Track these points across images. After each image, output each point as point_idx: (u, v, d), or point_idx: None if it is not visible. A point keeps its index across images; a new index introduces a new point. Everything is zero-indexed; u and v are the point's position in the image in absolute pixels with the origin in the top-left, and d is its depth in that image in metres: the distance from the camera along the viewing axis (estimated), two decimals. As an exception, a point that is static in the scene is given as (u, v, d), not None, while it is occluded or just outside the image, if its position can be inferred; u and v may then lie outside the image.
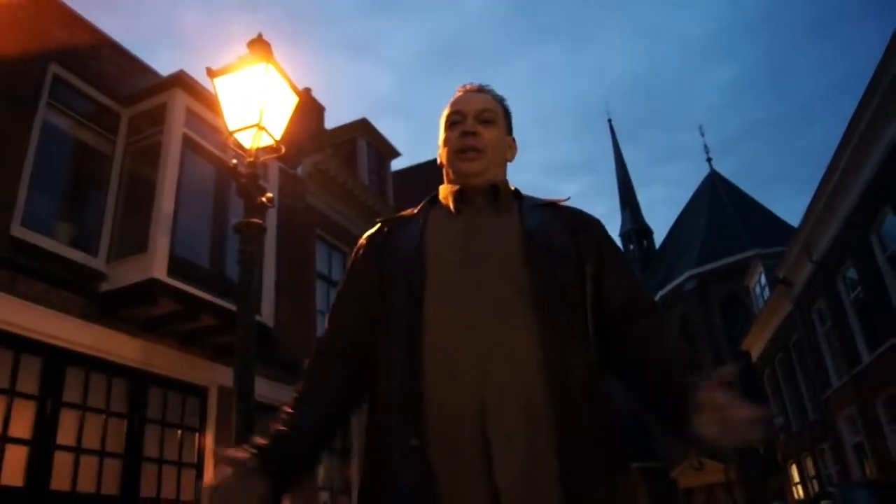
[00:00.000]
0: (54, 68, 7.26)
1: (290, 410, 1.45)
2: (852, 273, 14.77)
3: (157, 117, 8.04)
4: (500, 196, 1.52)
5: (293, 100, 4.64)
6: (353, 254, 1.61)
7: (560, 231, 1.46)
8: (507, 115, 1.64)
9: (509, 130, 1.64)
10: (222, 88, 4.43)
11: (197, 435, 7.95)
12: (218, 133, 7.62)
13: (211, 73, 4.46)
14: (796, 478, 22.29)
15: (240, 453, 1.37)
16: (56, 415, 6.47)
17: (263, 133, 4.31)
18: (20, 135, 6.75)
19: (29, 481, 6.06)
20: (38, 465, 6.17)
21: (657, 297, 31.70)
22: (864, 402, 14.23)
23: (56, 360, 6.58)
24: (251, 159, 4.23)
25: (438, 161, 1.64)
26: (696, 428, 1.22)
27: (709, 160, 44.06)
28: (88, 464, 6.67)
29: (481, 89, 1.63)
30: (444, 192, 1.57)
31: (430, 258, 1.40)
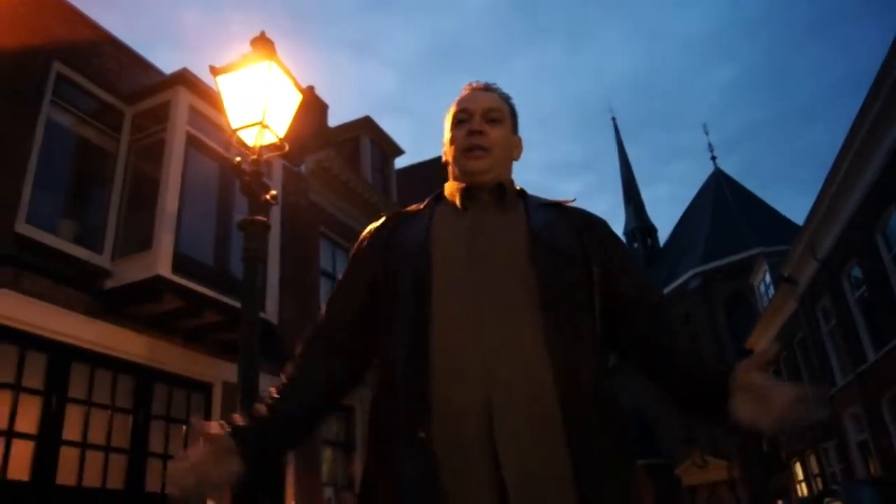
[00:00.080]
0: (58, 66, 7.28)
1: (275, 395, 1.45)
2: (857, 272, 14.73)
3: (161, 115, 8.06)
4: (506, 194, 1.52)
5: (296, 97, 4.64)
6: (357, 245, 1.60)
7: (566, 231, 1.46)
8: (513, 114, 1.63)
9: (515, 129, 1.64)
10: (225, 86, 4.45)
11: (201, 431, 7.95)
12: (221, 131, 7.62)
13: (214, 71, 4.48)
14: (800, 475, 22.25)
15: (216, 430, 1.37)
16: (62, 410, 6.51)
17: (267, 131, 4.32)
18: (24, 132, 6.77)
19: (35, 476, 6.10)
20: (44, 460, 6.21)
21: (661, 295, 31.43)
22: (868, 401, 14.19)
23: (61, 356, 6.61)
24: (255, 157, 4.24)
25: (444, 159, 1.64)
26: (733, 411, 1.22)
27: (713, 158, 43.97)
28: (94, 459, 6.71)
29: (488, 87, 1.63)
30: (450, 189, 1.57)
31: (436, 254, 1.40)
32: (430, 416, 1.24)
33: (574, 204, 1.59)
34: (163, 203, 7.49)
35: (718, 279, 33.26)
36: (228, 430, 1.37)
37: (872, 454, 15.03)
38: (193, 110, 8.22)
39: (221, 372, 8.02)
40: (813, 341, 18.11)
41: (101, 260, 7.28)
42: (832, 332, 17.04)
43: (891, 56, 11.00)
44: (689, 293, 33.76)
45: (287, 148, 4.52)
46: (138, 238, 7.49)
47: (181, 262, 7.41)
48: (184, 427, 7.78)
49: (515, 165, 1.64)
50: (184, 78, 8.22)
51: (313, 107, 12.55)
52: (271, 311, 8.66)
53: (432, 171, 16.23)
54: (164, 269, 7.18)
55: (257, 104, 4.31)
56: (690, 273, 34.78)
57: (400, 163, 16.00)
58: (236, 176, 4.29)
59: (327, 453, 10.61)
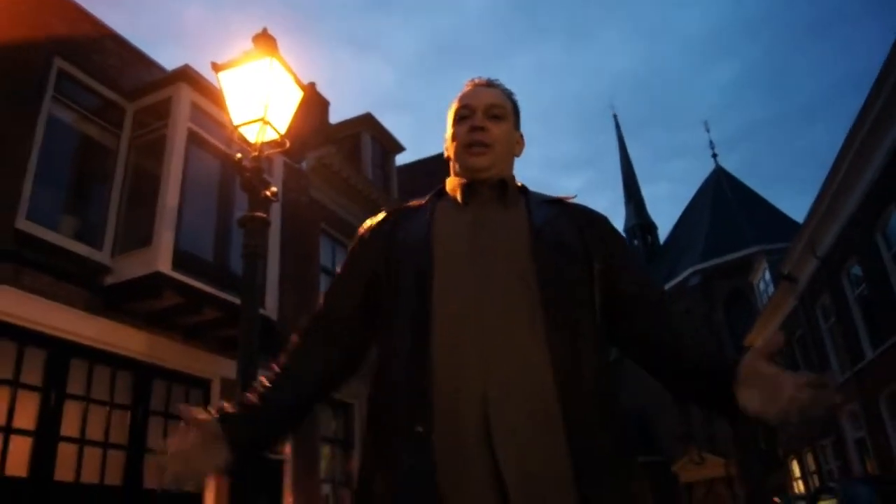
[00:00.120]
0: (59, 62, 7.27)
1: (267, 383, 1.45)
2: (857, 270, 14.75)
3: (162, 111, 8.05)
4: (508, 191, 1.52)
5: (298, 94, 4.64)
6: (356, 239, 1.59)
7: (567, 227, 1.46)
8: (515, 110, 1.63)
9: (517, 126, 1.64)
10: (227, 83, 4.44)
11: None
12: (223, 127, 7.63)
13: (216, 68, 4.47)
14: (797, 473, 22.30)
15: (204, 416, 1.35)
16: (60, 406, 6.51)
17: (268, 127, 4.32)
18: (25, 129, 6.77)
19: (33, 472, 6.10)
20: (42, 456, 6.21)
21: (660, 293, 31.43)
22: (866, 398, 14.21)
23: (60, 352, 6.61)
24: (256, 153, 4.24)
25: (445, 154, 1.63)
26: (742, 402, 1.21)
27: (714, 156, 43.95)
28: (92, 455, 6.72)
29: (490, 83, 1.63)
30: (451, 184, 1.57)
31: (437, 249, 1.39)
32: (430, 411, 1.23)
33: (575, 200, 1.59)
34: (163, 199, 7.48)
35: (718, 277, 33.26)
36: (216, 416, 1.35)
37: (869, 452, 15.06)
38: (195, 107, 8.22)
39: (221, 368, 8.03)
40: (812, 339, 18.14)
41: (102, 256, 7.28)
42: (831, 329, 17.07)
43: (892, 56, 10.99)
44: (688, 290, 33.76)
45: (288, 144, 4.52)
46: (138, 234, 7.49)
47: (181, 259, 7.41)
48: (182, 424, 7.77)
49: (516, 161, 1.64)
50: (185, 74, 8.21)
51: (314, 103, 12.53)
52: (271, 307, 8.66)
53: (433, 167, 16.22)
54: (164, 265, 7.18)
55: (259, 101, 4.31)
56: (690, 270, 34.79)
57: (401, 160, 16.01)
58: (237, 172, 4.30)
59: (325, 450, 10.61)
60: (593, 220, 1.53)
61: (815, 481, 19.33)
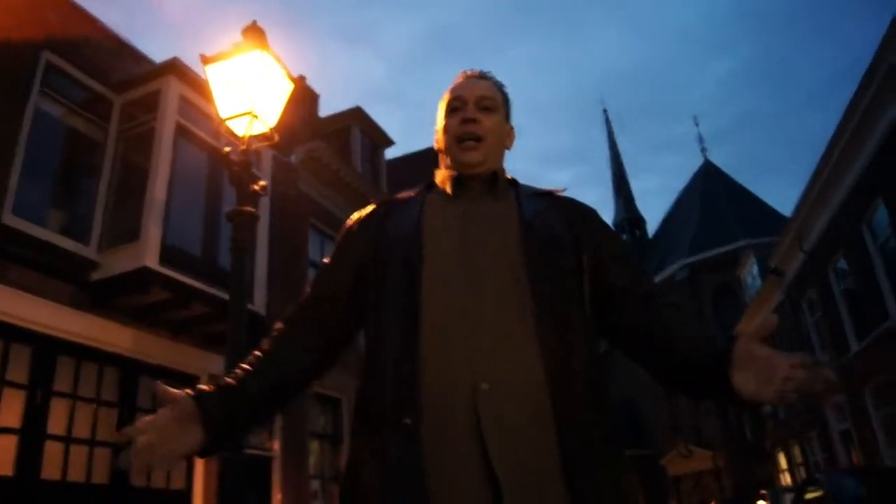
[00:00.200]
0: (47, 55, 7.20)
1: (246, 367, 1.41)
2: (843, 263, 14.85)
3: (151, 104, 7.99)
4: (498, 183, 1.51)
5: (287, 87, 4.61)
6: (345, 230, 1.58)
7: (557, 220, 1.45)
8: (506, 102, 1.62)
9: (508, 118, 1.63)
10: (215, 75, 4.41)
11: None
12: (212, 121, 7.55)
13: (205, 60, 4.44)
14: (784, 465, 22.49)
15: (178, 393, 1.30)
16: (46, 404, 6.46)
17: (257, 121, 4.29)
18: (12, 122, 6.70)
19: (19, 471, 6.05)
20: (29, 454, 6.16)
21: (649, 287, 31.62)
22: (851, 391, 14.34)
23: (46, 348, 6.56)
24: (244, 147, 4.21)
25: (436, 146, 1.62)
26: (736, 385, 1.21)
27: (703, 150, 44.17)
28: (79, 453, 6.67)
29: (482, 76, 1.62)
30: (441, 176, 1.56)
31: (427, 242, 1.39)
32: (418, 404, 1.23)
33: (565, 194, 1.59)
34: (151, 194, 7.43)
35: (706, 271, 33.48)
36: (192, 394, 1.31)
37: (855, 443, 15.21)
38: (183, 100, 8.16)
39: (208, 364, 7.99)
40: (798, 332, 18.27)
41: (88, 251, 7.22)
42: (817, 323, 17.20)
43: (878, 54, 11.05)
44: (676, 284, 33.92)
45: (277, 138, 4.49)
46: (126, 229, 7.43)
47: (169, 254, 7.36)
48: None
49: (507, 153, 1.63)
50: (174, 67, 8.15)
51: (304, 97, 12.48)
52: (259, 302, 8.63)
53: (423, 161, 16.20)
54: (152, 260, 7.13)
55: (247, 94, 4.28)
56: (678, 264, 34.98)
57: (390, 153, 15.99)
58: (225, 166, 4.26)
59: (314, 445, 10.61)
60: (583, 213, 1.53)
61: (802, 473, 19.51)
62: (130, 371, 7.36)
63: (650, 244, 48.34)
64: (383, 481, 1.21)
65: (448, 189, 1.51)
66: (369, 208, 1.59)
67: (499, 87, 1.62)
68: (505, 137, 1.61)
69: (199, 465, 7.81)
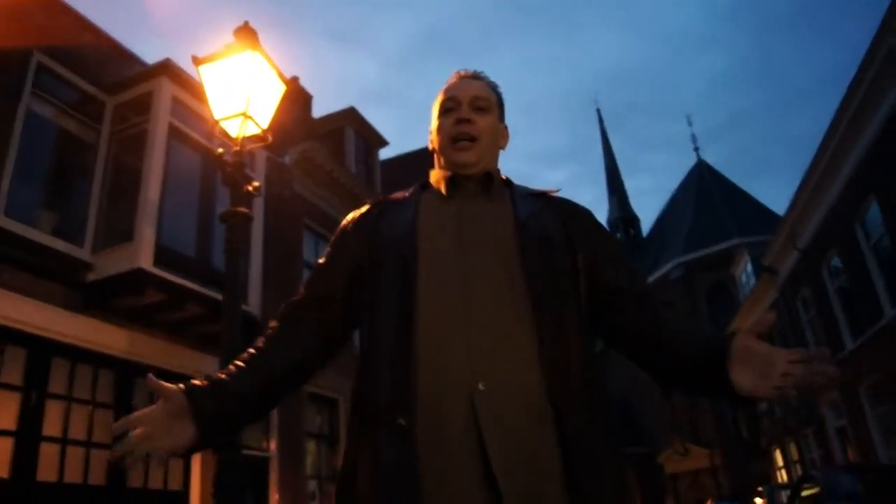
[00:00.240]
0: (38, 56, 7.17)
1: (240, 364, 1.41)
2: (836, 261, 14.90)
3: (143, 106, 7.97)
4: (493, 184, 1.51)
5: (280, 88, 4.60)
6: (339, 229, 1.57)
7: (551, 221, 1.45)
8: (500, 102, 1.62)
9: (502, 118, 1.63)
10: (208, 76, 4.39)
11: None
12: (204, 122, 7.56)
13: (197, 61, 4.42)
14: (780, 462, 22.56)
15: (170, 387, 1.28)
16: (41, 406, 6.44)
17: (250, 121, 4.28)
18: (3, 124, 6.67)
19: (15, 473, 6.03)
20: (24, 456, 6.14)
21: (644, 286, 31.74)
22: (847, 388, 14.38)
23: (41, 350, 6.54)
24: (237, 148, 4.21)
25: (430, 147, 1.63)
26: (735, 382, 1.21)
27: (696, 149, 44.29)
28: (75, 455, 6.65)
29: (476, 76, 1.62)
30: (436, 176, 1.56)
31: (422, 242, 1.38)
32: (413, 404, 1.22)
33: (559, 194, 1.59)
34: (144, 195, 7.41)
35: (700, 269, 33.57)
36: (183, 388, 1.30)
37: (851, 440, 15.26)
38: (176, 101, 8.13)
39: (203, 365, 7.95)
40: (793, 331, 18.32)
41: (82, 253, 7.20)
42: (812, 321, 17.24)
43: (871, 50, 11.09)
44: (671, 283, 34.03)
45: (270, 139, 4.48)
46: (119, 230, 7.41)
47: (163, 255, 7.34)
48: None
49: (501, 153, 1.63)
50: (166, 68, 8.12)
51: (297, 97, 12.48)
52: (254, 303, 8.62)
53: (416, 161, 16.22)
54: (146, 261, 7.11)
55: (240, 95, 4.27)
56: (673, 263, 35.06)
57: (384, 154, 15.98)
58: (218, 167, 4.25)
59: (311, 446, 10.60)
60: (577, 214, 1.53)
61: (798, 470, 19.57)
62: (125, 372, 7.34)
63: (644, 243, 48.44)
64: (378, 482, 1.21)
65: (443, 189, 1.51)
66: (364, 208, 1.58)
67: (492, 87, 1.62)
68: (499, 137, 1.61)
69: (196, 465, 7.80)
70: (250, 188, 4.17)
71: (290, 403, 9.67)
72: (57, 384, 6.66)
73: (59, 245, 6.97)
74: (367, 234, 1.48)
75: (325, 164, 11.89)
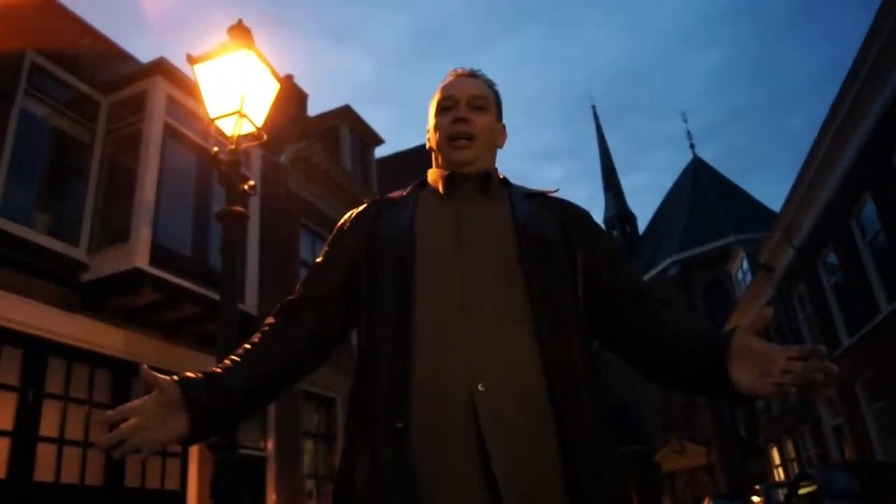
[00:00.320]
0: (32, 56, 7.15)
1: (235, 358, 1.40)
2: (832, 258, 14.93)
3: (138, 105, 7.95)
4: (491, 183, 1.51)
5: (275, 87, 4.60)
6: (337, 228, 1.57)
7: (549, 221, 1.45)
8: (497, 101, 1.62)
9: (500, 117, 1.62)
10: (203, 75, 4.39)
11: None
12: (200, 121, 7.55)
13: (191, 60, 4.41)
14: (777, 460, 22.60)
15: (165, 379, 1.26)
16: (38, 406, 6.43)
17: (245, 120, 4.27)
18: (-3, 123, 6.65)
19: (11, 473, 6.02)
20: (21, 456, 6.13)
21: (640, 283, 31.80)
22: (843, 386, 14.42)
23: (37, 350, 6.52)
24: (232, 147, 4.20)
25: (427, 145, 1.62)
26: (735, 380, 1.20)
27: (692, 146, 44.35)
28: (72, 455, 6.64)
29: (473, 74, 1.61)
30: (434, 175, 1.56)
31: (420, 241, 1.38)
32: (410, 405, 1.22)
33: (557, 194, 1.58)
34: (140, 194, 7.39)
35: (697, 267, 33.64)
36: (177, 380, 1.28)
37: (847, 438, 15.28)
38: (171, 100, 8.12)
39: (200, 365, 7.87)
40: (790, 328, 18.35)
41: (78, 253, 7.18)
42: (808, 318, 17.28)
43: (865, 46, 11.11)
44: (667, 281, 34.09)
45: (265, 137, 4.48)
46: (115, 230, 7.40)
47: (159, 255, 7.33)
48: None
49: (498, 152, 1.63)
50: (161, 67, 8.11)
51: (293, 96, 12.46)
52: (251, 302, 8.61)
53: (412, 160, 16.21)
54: (142, 261, 7.10)
55: (235, 93, 4.26)
56: (669, 261, 35.14)
57: (380, 152, 15.97)
58: (214, 166, 4.24)
59: (308, 445, 10.59)
60: (575, 214, 1.53)
61: (795, 468, 19.61)
62: (122, 372, 7.32)
63: (640, 241, 48.51)
64: (376, 482, 1.20)
65: (441, 188, 1.50)
66: (361, 207, 1.58)
67: (490, 85, 1.62)
68: (497, 136, 1.60)
69: (193, 465, 7.79)
70: (246, 187, 4.16)
71: (287, 402, 9.67)
72: (53, 384, 6.65)
73: (55, 245, 6.96)
74: (364, 232, 1.48)
75: (320, 163, 11.88)
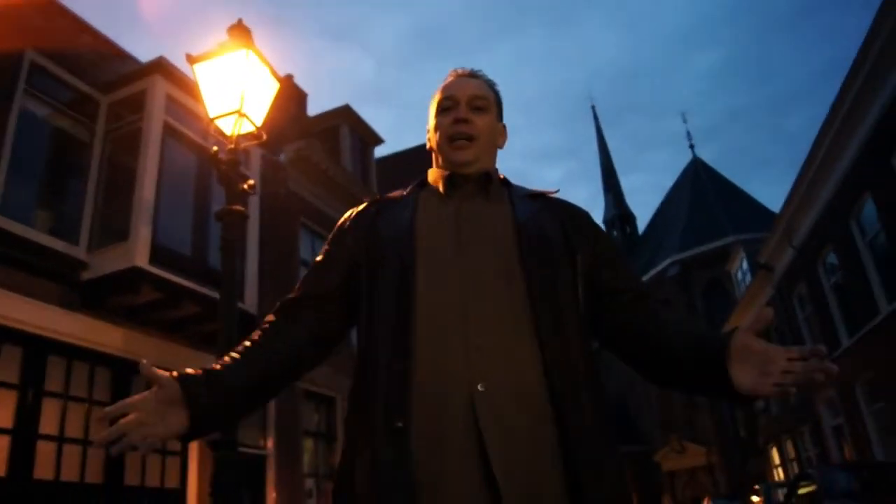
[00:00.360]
0: (31, 55, 7.15)
1: (234, 356, 1.40)
2: (832, 258, 14.92)
3: (137, 104, 7.95)
4: (492, 184, 1.51)
5: (274, 86, 4.60)
6: (337, 227, 1.56)
7: (550, 222, 1.45)
8: (498, 101, 1.62)
9: (500, 117, 1.62)
10: (202, 75, 4.39)
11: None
12: (199, 120, 7.55)
13: (191, 60, 4.42)
14: (777, 460, 22.60)
15: (165, 375, 1.26)
16: (38, 404, 6.43)
17: (244, 120, 4.27)
18: (-3, 122, 6.65)
19: (11, 471, 6.03)
20: (21, 454, 6.13)
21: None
22: (843, 386, 14.41)
23: (37, 349, 6.53)
24: (232, 146, 4.20)
25: (428, 146, 1.62)
26: (735, 380, 1.20)
27: (691, 147, 44.33)
28: (72, 453, 6.64)
29: (473, 74, 1.61)
30: (434, 175, 1.56)
31: (420, 240, 1.38)
32: (410, 404, 1.22)
33: (557, 195, 1.58)
34: (140, 193, 7.40)
35: (696, 267, 33.61)
36: (177, 376, 1.28)
37: (847, 438, 15.28)
38: (170, 99, 8.12)
39: (200, 364, 7.91)
40: (789, 328, 18.35)
41: (78, 251, 7.18)
42: (808, 318, 17.27)
43: (866, 45, 11.11)
44: (667, 281, 34.08)
45: (265, 137, 4.48)
46: (115, 229, 7.40)
47: (159, 253, 7.33)
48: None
49: (498, 152, 1.63)
50: (160, 66, 8.11)
51: (292, 95, 12.46)
52: (250, 301, 8.61)
53: (412, 160, 16.21)
54: (142, 260, 7.10)
55: (235, 93, 4.26)
56: (669, 261, 35.11)
57: (380, 152, 15.96)
58: (213, 165, 4.25)
59: (308, 444, 10.59)
60: (575, 215, 1.53)
61: (795, 468, 19.60)
62: (122, 371, 7.33)
63: (640, 241, 48.49)
64: (376, 482, 1.20)
65: (441, 188, 1.50)
66: (361, 206, 1.58)
67: (490, 85, 1.61)
68: (497, 137, 1.60)
69: (193, 463, 7.79)
70: (245, 186, 4.17)
71: (287, 401, 9.67)
72: (53, 382, 6.65)
73: (55, 244, 6.96)
74: (364, 231, 1.47)
75: (320, 163, 11.88)
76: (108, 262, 7.14)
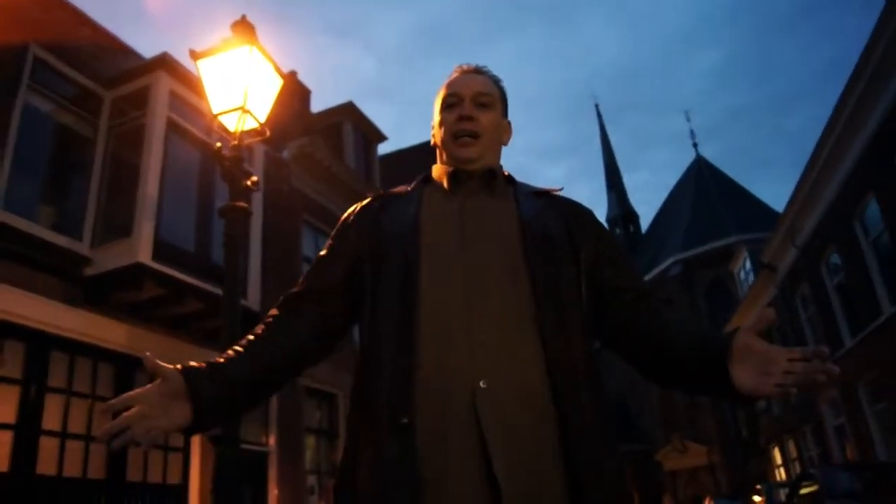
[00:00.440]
0: (35, 50, 7.15)
1: (238, 349, 1.40)
2: (835, 258, 14.90)
3: (141, 100, 7.95)
4: (496, 180, 1.51)
5: (278, 83, 4.60)
6: (341, 222, 1.56)
7: (554, 219, 1.45)
8: (503, 97, 1.61)
9: (505, 114, 1.62)
10: (206, 71, 4.39)
11: (183, 419, 7.94)
12: (203, 116, 7.55)
13: (194, 56, 4.42)
14: (778, 460, 22.58)
15: (168, 368, 1.27)
16: (41, 400, 6.44)
17: (248, 116, 4.27)
18: (1, 118, 6.65)
19: (14, 466, 6.04)
20: (24, 449, 6.15)
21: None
22: (845, 386, 14.40)
23: (40, 344, 6.54)
24: (235, 142, 4.20)
25: (432, 142, 1.62)
26: (736, 380, 1.20)
27: (695, 145, 44.29)
28: (74, 448, 6.66)
29: (478, 70, 1.61)
30: (438, 171, 1.55)
31: (424, 236, 1.38)
32: (414, 401, 1.22)
33: (561, 193, 1.58)
34: (143, 189, 7.40)
35: (699, 266, 33.55)
36: (181, 369, 1.28)
37: (849, 438, 15.27)
38: (174, 95, 8.12)
39: (203, 360, 7.95)
40: (792, 327, 18.33)
41: (81, 247, 7.19)
42: (811, 318, 17.25)
43: (870, 45, 11.08)
44: (670, 280, 34.02)
45: (268, 133, 4.48)
46: (118, 225, 7.40)
47: (162, 250, 7.34)
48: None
49: (503, 149, 1.62)
50: (164, 62, 8.11)
51: (296, 92, 12.46)
52: (253, 298, 8.61)
53: (415, 157, 16.19)
54: (145, 256, 7.11)
55: (238, 89, 4.26)
56: (671, 260, 35.05)
57: (383, 149, 15.96)
58: (217, 161, 4.25)
59: (310, 441, 10.60)
60: (578, 213, 1.52)
61: (797, 468, 19.59)
62: (125, 366, 7.34)
63: (643, 239, 48.42)
64: (379, 478, 1.20)
65: (445, 184, 1.50)
66: (365, 202, 1.57)
67: (495, 81, 1.61)
68: (502, 133, 1.60)
69: (195, 459, 7.81)
70: (249, 183, 4.17)
71: (288, 398, 9.68)
72: (56, 378, 6.66)
73: (58, 239, 6.97)
74: (368, 227, 1.47)
75: (323, 159, 11.87)
76: (111, 258, 7.15)
